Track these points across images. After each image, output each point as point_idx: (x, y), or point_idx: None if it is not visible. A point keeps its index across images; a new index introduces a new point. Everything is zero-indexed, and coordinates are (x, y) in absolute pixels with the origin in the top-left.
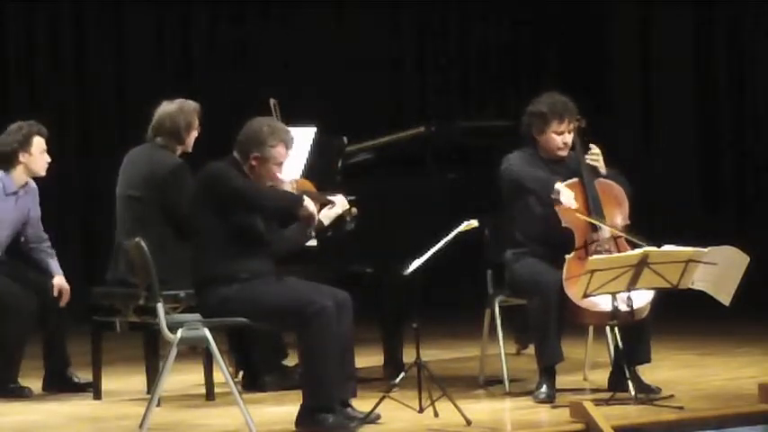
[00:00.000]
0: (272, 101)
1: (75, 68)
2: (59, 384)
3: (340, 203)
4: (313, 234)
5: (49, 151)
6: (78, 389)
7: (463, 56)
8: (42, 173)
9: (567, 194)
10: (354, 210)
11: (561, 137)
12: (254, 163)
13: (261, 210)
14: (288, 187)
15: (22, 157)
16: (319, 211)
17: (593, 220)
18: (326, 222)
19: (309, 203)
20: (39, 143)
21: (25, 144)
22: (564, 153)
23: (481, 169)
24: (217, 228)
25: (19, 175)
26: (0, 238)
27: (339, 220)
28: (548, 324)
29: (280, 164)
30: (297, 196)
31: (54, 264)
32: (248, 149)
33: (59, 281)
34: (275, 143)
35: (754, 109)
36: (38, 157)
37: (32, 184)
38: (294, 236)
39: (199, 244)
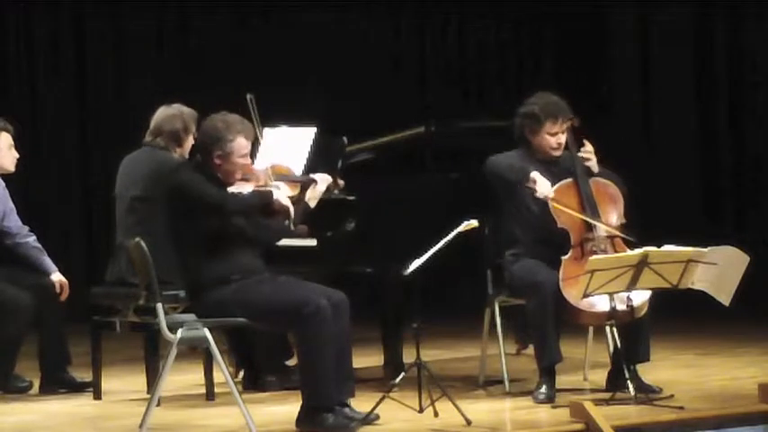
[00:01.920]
0: (248, 96)
1: (76, 68)
2: (56, 385)
3: (322, 180)
4: (295, 226)
5: (49, 150)
6: (77, 388)
7: (463, 56)
8: (11, 168)
9: (543, 183)
10: (341, 181)
11: (555, 137)
12: (218, 162)
13: (226, 212)
14: (263, 176)
15: None
16: (302, 194)
17: (586, 218)
18: (313, 204)
19: (281, 196)
20: (5, 139)
21: None
22: (558, 153)
23: (481, 169)
24: (197, 233)
25: None
26: None
27: (331, 200)
28: (546, 325)
29: (244, 155)
30: (265, 193)
31: (47, 260)
32: (209, 150)
33: (58, 277)
34: (233, 137)
35: (753, 109)
36: (5, 153)
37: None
38: (277, 226)
39: (183, 250)
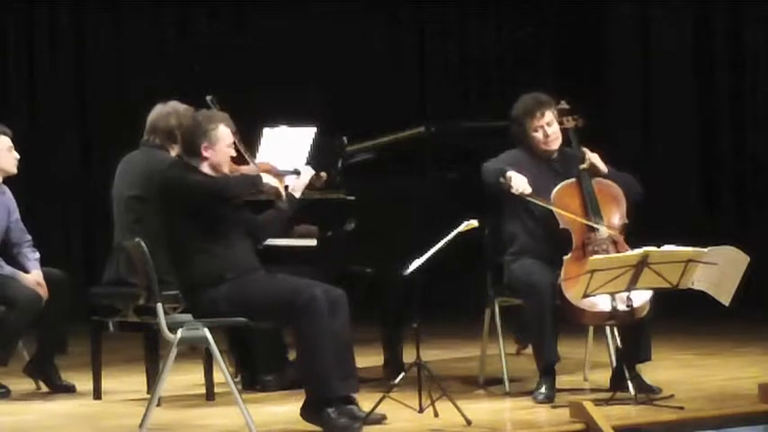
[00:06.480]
0: (208, 97)
1: (76, 68)
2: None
3: (306, 172)
4: (287, 207)
5: (49, 150)
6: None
7: (463, 56)
8: (13, 170)
9: (518, 180)
10: (324, 174)
11: (541, 132)
12: (206, 154)
13: (224, 197)
14: (251, 173)
15: None
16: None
17: (587, 222)
18: (298, 194)
19: (270, 179)
20: (3, 141)
21: None
22: (551, 146)
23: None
24: (191, 231)
25: None
26: None
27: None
28: (543, 325)
29: (230, 144)
30: (254, 176)
31: (33, 263)
32: (196, 144)
33: (34, 277)
34: (215, 125)
35: (754, 109)
36: (5, 154)
37: (5, 187)
38: (271, 217)
39: (177, 251)
